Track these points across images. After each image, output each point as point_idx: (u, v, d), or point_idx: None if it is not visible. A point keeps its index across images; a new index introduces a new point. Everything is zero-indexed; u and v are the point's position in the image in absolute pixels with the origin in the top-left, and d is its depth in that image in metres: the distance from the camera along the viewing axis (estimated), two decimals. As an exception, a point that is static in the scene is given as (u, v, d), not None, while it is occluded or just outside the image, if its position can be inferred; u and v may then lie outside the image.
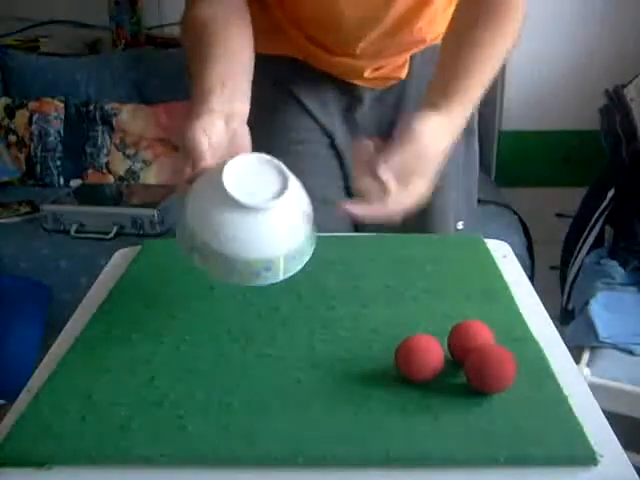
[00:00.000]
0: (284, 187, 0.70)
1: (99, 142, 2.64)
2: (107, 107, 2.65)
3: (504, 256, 0.99)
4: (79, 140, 2.67)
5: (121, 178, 2.61)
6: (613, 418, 0.67)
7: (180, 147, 0.77)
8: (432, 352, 0.68)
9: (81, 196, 2.39)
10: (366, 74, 1.12)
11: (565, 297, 1.95)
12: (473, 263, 0.96)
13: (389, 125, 0.92)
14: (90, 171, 2.64)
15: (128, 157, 2.61)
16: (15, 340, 2.02)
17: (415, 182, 0.81)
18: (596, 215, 1.93)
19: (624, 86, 1.98)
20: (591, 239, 1.94)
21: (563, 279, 2.02)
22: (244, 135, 0.80)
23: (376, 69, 1.12)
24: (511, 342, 0.72)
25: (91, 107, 2.66)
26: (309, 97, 1.14)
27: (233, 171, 0.70)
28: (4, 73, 2.77)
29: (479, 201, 1.32)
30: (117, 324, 0.81)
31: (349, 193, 1.19)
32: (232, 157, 0.72)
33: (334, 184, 1.16)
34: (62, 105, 2.69)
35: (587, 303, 1.69)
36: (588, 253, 1.93)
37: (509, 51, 0.91)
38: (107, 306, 0.86)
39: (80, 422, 0.64)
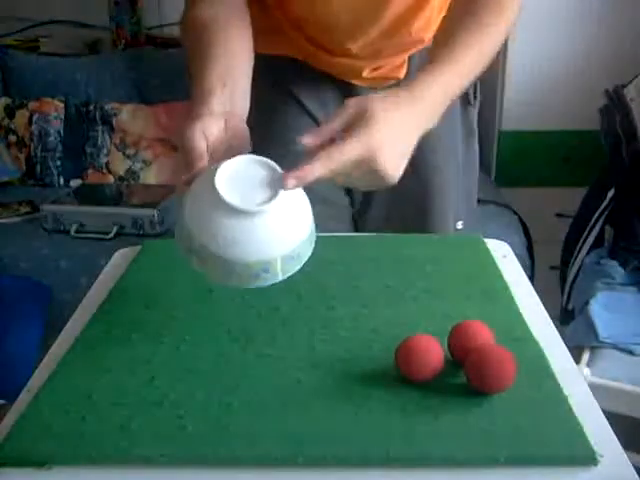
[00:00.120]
0: (279, 188, 0.70)
1: (99, 142, 2.64)
2: (107, 107, 2.65)
3: (504, 256, 0.99)
4: (79, 140, 2.67)
5: (121, 178, 2.61)
6: (613, 418, 0.67)
7: (179, 147, 0.77)
8: (432, 352, 0.68)
9: (81, 196, 2.39)
10: (364, 74, 1.12)
11: (565, 297, 1.95)
12: (473, 263, 0.96)
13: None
14: (90, 171, 2.64)
15: (128, 157, 2.61)
16: (15, 340, 2.02)
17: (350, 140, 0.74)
18: (596, 215, 1.93)
19: (624, 86, 1.98)
20: (591, 239, 1.94)
21: (563, 279, 2.02)
22: (244, 135, 0.80)
23: (375, 69, 1.12)
24: (511, 342, 0.72)
25: (91, 107, 2.66)
26: (309, 97, 1.14)
27: (227, 174, 0.70)
28: (4, 73, 2.77)
29: (479, 201, 1.32)
30: (117, 324, 0.81)
31: (349, 193, 1.20)
32: (230, 157, 0.72)
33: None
34: (62, 105, 2.69)
35: (587, 303, 1.69)
36: (588, 253, 1.93)
37: (498, 41, 0.90)
38: (107, 306, 0.86)
39: (80, 422, 0.64)
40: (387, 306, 0.84)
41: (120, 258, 1.01)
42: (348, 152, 0.73)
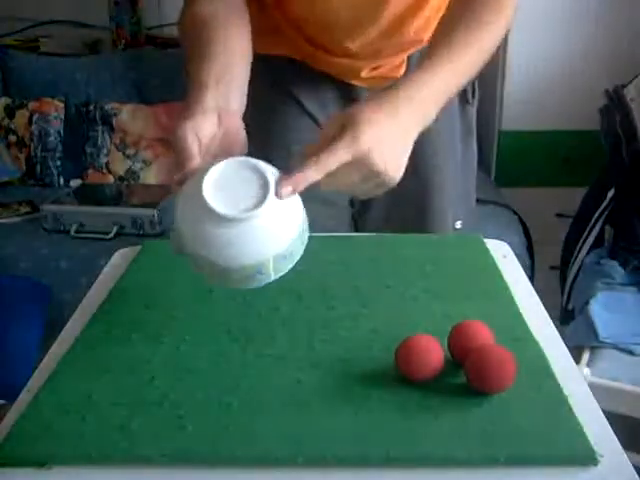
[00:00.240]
0: (267, 191, 0.69)
1: (99, 142, 2.64)
2: (107, 107, 2.65)
3: (504, 256, 0.99)
4: (79, 140, 2.67)
5: (121, 178, 2.61)
6: (613, 418, 0.67)
7: (173, 147, 0.77)
8: (432, 352, 0.68)
9: (81, 196, 2.39)
10: (363, 74, 1.12)
11: (565, 297, 1.95)
12: (473, 263, 0.96)
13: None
14: (90, 171, 2.64)
15: (128, 157, 2.61)
16: (15, 340, 2.02)
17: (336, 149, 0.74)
18: (596, 215, 1.93)
19: (624, 86, 1.98)
20: (591, 239, 1.94)
21: (563, 279, 2.02)
22: (239, 132, 0.80)
23: (374, 69, 1.12)
24: (511, 342, 0.72)
25: (91, 107, 2.66)
26: (308, 97, 1.14)
27: (215, 179, 0.69)
28: (4, 73, 2.77)
29: (478, 201, 1.32)
30: (117, 324, 0.81)
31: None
32: (224, 155, 0.72)
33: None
34: (62, 105, 2.69)
35: (587, 303, 1.69)
36: (588, 253, 1.93)
37: (497, 38, 0.90)
38: (107, 306, 0.86)
39: (80, 422, 0.64)
40: (387, 306, 0.84)
41: (120, 258, 1.01)
42: (335, 154, 0.73)
